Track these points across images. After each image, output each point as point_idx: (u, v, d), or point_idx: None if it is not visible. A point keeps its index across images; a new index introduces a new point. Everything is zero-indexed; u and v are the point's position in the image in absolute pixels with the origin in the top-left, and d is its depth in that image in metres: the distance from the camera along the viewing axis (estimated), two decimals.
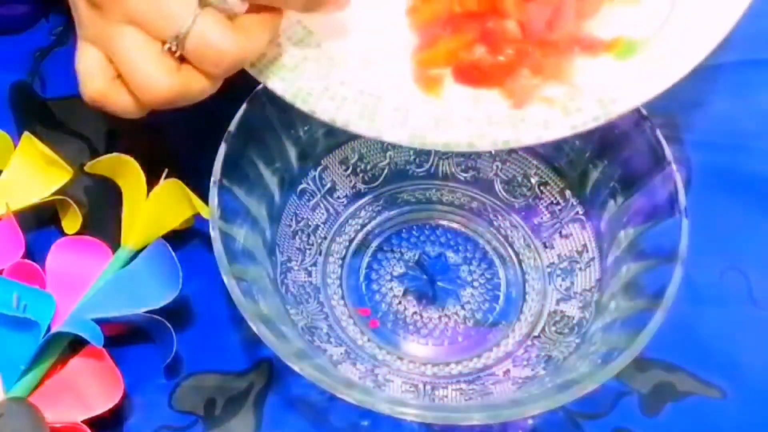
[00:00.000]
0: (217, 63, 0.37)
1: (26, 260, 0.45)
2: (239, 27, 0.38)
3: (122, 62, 0.37)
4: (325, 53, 0.44)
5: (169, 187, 0.46)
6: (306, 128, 0.49)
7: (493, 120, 0.42)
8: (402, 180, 0.51)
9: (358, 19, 0.45)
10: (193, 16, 0.36)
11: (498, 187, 0.50)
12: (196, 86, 0.38)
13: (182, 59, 0.38)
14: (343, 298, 0.49)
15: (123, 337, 0.46)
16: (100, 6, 0.37)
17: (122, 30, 0.37)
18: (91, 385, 0.43)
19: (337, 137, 0.51)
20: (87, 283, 0.46)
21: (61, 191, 0.48)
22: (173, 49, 0.37)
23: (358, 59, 0.44)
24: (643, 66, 0.41)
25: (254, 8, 0.39)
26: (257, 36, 0.39)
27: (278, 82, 0.43)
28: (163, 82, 0.37)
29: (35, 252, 0.47)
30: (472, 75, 0.43)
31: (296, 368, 0.39)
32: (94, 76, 0.38)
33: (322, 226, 0.50)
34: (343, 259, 0.50)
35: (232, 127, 0.45)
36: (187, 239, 0.49)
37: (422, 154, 0.51)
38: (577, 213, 0.49)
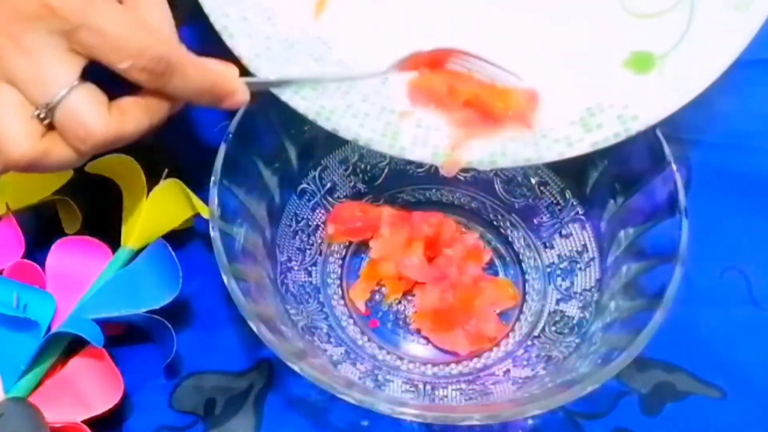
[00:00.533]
0: (83, 140, 0.36)
1: (26, 260, 0.45)
2: (116, 108, 0.37)
3: None
4: (346, 69, 0.44)
5: (169, 187, 0.46)
6: (306, 128, 0.49)
7: (514, 137, 0.42)
8: (402, 180, 0.51)
9: (378, 34, 0.45)
10: (68, 87, 0.36)
11: (498, 187, 0.50)
12: (58, 156, 0.37)
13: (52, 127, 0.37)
14: (343, 298, 0.49)
15: (123, 337, 0.46)
16: None
17: (0, 87, 0.36)
18: (91, 385, 0.43)
19: (337, 138, 0.51)
20: (87, 283, 0.46)
21: (61, 191, 0.48)
22: (41, 116, 0.36)
23: (378, 75, 0.44)
24: (662, 81, 0.42)
25: (143, 92, 0.38)
26: (134, 120, 0.38)
27: (300, 101, 0.42)
28: (21, 145, 0.36)
29: (35, 252, 0.47)
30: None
31: (296, 368, 0.39)
32: None
33: (322, 226, 0.50)
34: (343, 259, 0.50)
35: (232, 127, 0.45)
36: (187, 239, 0.49)
37: None
38: (577, 213, 0.49)
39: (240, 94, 0.41)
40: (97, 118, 0.36)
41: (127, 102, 0.38)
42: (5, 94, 0.36)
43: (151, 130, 0.39)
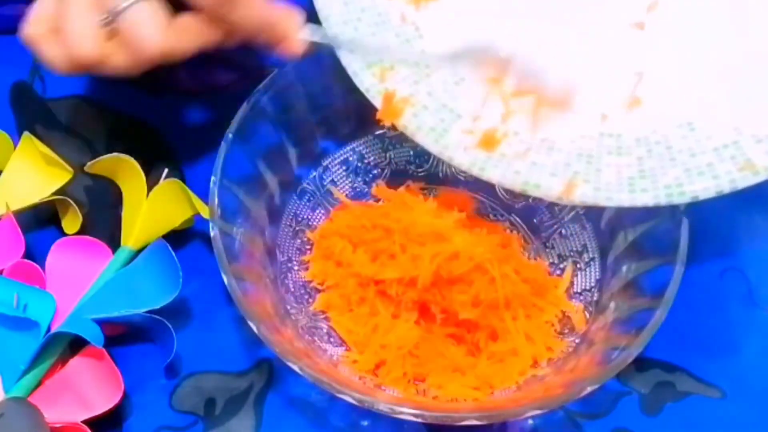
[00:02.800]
0: (139, 49, 0.39)
1: (26, 260, 0.45)
2: (176, 26, 0.40)
3: (62, 17, 0.40)
4: (426, 60, 0.45)
5: (169, 187, 0.46)
6: (306, 129, 0.49)
7: (556, 171, 0.42)
8: (402, 180, 0.51)
9: (469, 31, 0.46)
10: None
11: (498, 187, 0.50)
12: (117, 61, 0.40)
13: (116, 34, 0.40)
14: None
15: (123, 337, 0.46)
16: None
17: None
18: (91, 385, 0.43)
19: (337, 138, 0.51)
20: (87, 283, 0.46)
21: (61, 191, 0.48)
22: (108, 20, 0.39)
23: (452, 75, 0.45)
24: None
25: (203, 14, 0.40)
26: (189, 39, 0.40)
27: (368, 77, 0.43)
28: (87, 44, 0.39)
29: (35, 252, 0.47)
30: None
31: (296, 368, 0.39)
32: (38, 21, 0.41)
33: (322, 226, 0.50)
34: None
35: (232, 127, 0.45)
36: (187, 239, 0.49)
37: (422, 155, 0.51)
38: (577, 213, 0.49)
39: (296, 42, 0.42)
40: (155, 30, 0.39)
41: (186, 21, 0.40)
42: None
43: (201, 50, 0.41)
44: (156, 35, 0.39)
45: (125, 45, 0.39)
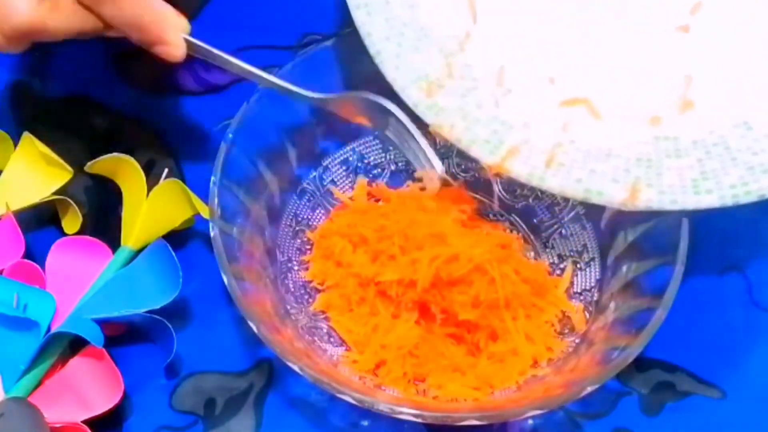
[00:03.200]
0: (5, 18, 0.38)
1: (26, 260, 0.45)
2: (51, 5, 0.38)
3: None
4: (471, 74, 0.45)
5: (169, 187, 0.46)
6: (306, 128, 0.49)
7: (617, 177, 0.42)
8: (402, 180, 0.51)
9: (513, 43, 0.46)
10: None
11: (498, 187, 0.50)
12: None
13: None
14: None
15: (123, 337, 0.46)
16: None
17: None
18: (91, 385, 0.43)
19: (337, 138, 0.51)
20: (87, 283, 0.46)
21: (61, 191, 0.48)
22: None
23: (498, 87, 0.45)
24: None
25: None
26: (62, 19, 0.39)
27: (416, 91, 0.43)
28: None
29: (35, 252, 0.47)
30: None
31: (296, 368, 0.39)
32: None
33: (322, 226, 0.50)
34: None
35: (232, 127, 0.45)
36: (187, 239, 0.49)
37: None
38: (577, 213, 0.49)
39: (173, 47, 0.40)
40: (22, 1, 0.37)
41: (64, 1, 0.39)
42: None
43: (78, 35, 0.40)
44: (23, 5, 0.37)
45: None
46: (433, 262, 0.43)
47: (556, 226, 0.49)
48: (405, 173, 0.51)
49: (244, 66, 0.43)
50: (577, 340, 0.45)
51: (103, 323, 0.43)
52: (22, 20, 0.37)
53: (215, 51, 0.43)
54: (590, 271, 0.47)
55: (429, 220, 0.45)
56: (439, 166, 0.44)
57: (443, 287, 0.44)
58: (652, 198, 0.41)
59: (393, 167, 0.51)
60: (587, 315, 0.46)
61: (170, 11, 0.40)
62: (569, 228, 0.49)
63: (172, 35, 0.40)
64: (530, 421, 0.45)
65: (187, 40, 0.41)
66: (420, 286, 0.44)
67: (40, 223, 0.50)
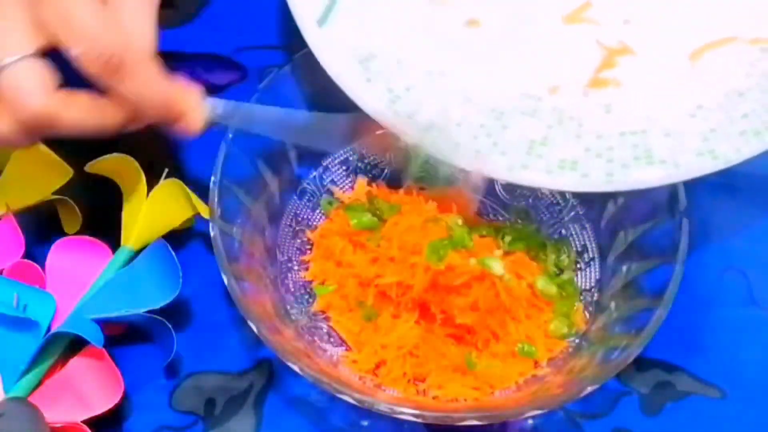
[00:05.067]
0: (18, 108, 0.36)
1: (26, 260, 0.45)
2: (64, 93, 0.37)
3: None
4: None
5: (169, 187, 0.46)
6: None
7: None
8: (402, 180, 0.51)
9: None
10: (19, 55, 0.36)
11: (498, 187, 0.50)
12: (1, 127, 0.37)
13: None
14: None
15: (123, 337, 0.46)
16: None
17: None
18: (91, 385, 0.43)
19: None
20: (87, 283, 0.46)
21: (61, 191, 0.48)
22: None
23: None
24: None
25: (106, 94, 0.38)
26: (78, 111, 0.37)
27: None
28: None
29: (35, 252, 0.47)
30: None
31: (296, 368, 0.39)
32: None
33: (321, 226, 0.50)
34: None
35: (232, 127, 0.45)
36: (187, 239, 0.49)
37: None
38: (577, 213, 0.49)
39: (193, 119, 0.40)
40: (36, 90, 0.36)
41: (79, 93, 0.38)
42: None
43: (97, 131, 0.38)
44: (36, 95, 0.36)
45: (5, 104, 0.36)
46: (428, 270, 0.43)
47: (556, 226, 0.49)
48: (405, 173, 0.51)
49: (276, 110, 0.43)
50: (577, 340, 0.45)
51: (103, 323, 0.43)
52: (35, 110, 0.36)
53: (234, 104, 0.42)
54: (590, 271, 0.47)
55: (427, 225, 0.45)
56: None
57: (442, 291, 0.44)
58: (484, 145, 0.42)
59: (393, 167, 0.51)
60: (587, 315, 0.46)
61: (186, 85, 0.40)
62: (569, 228, 0.49)
63: (192, 108, 0.40)
64: (530, 421, 0.45)
65: (207, 108, 0.41)
66: (416, 291, 0.44)
67: (40, 223, 0.50)
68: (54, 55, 0.37)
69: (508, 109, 0.43)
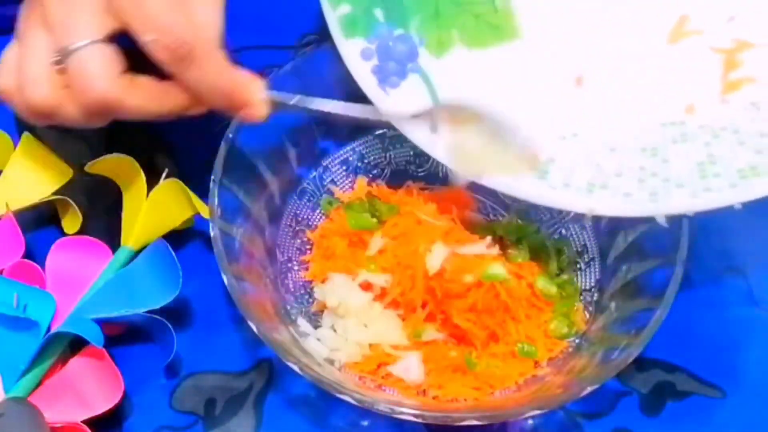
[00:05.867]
0: (84, 92, 0.37)
1: (26, 260, 0.45)
2: (129, 78, 0.38)
3: (21, 63, 0.38)
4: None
5: (169, 187, 0.46)
6: (306, 129, 0.49)
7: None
8: (402, 180, 0.51)
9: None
10: (89, 40, 0.37)
11: None
12: (67, 111, 0.38)
13: None
14: None
15: (123, 337, 0.46)
16: (28, 4, 0.39)
17: (34, 32, 0.38)
18: (91, 385, 0.43)
19: (337, 138, 0.51)
20: (87, 283, 0.46)
21: (61, 191, 0.48)
22: (58, 60, 0.37)
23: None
24: None
25: (167, 79, 0.39)
26: (142, 95, 0.38)
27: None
28: (41, 90, 0.38)
29: (35, 252, 0.47)
30: None
31: (296, 368, 0.39)
32: (4, 71, 0.39)
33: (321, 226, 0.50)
34: None
35: (232, 127, 0.45)
36: (187, 239, 0.49)
37: (422, 155, 0.51)
38: (577, 213, 0.48)
39: (257, 108, 0.41)
40: (102, 74, 0.37)
41: (144, 78, 0.39)
42: (37, 38, 0.38)
43: (158, 116, 0.39)
44: (102, 79, 0.37)
45: (73, 86, 0.38)
46: (425, 278, 0.44)
47: (556, 226, 0.49)
48: (405, 173, 0.51)
49: (337, 103, 0.43)
50: (577, 340, 0.45)
51: (103, 323, 0.43)
52: (101, 94, 0.37)
53: (300, 97, 0.43)
54: (590, 271, 0.47)
55: (426, 229, 0.45)
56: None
57: (440, 294, 0.44)
58: (656, 186, 0.41)
59: (393, 167, 0.51)
60: (587, 315, 0.46)
61: (249, 76, 0.40)
62: (569, 228, 0.49)
63: (256, 98, 0.40)
64: (530, 421, 0.45)
65: (268, 98, 0.41)
66: (414, 296, 0.44)
67: (40, 223, 0.50)
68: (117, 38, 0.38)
69: (659, 143, 0.42)
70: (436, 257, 0.44)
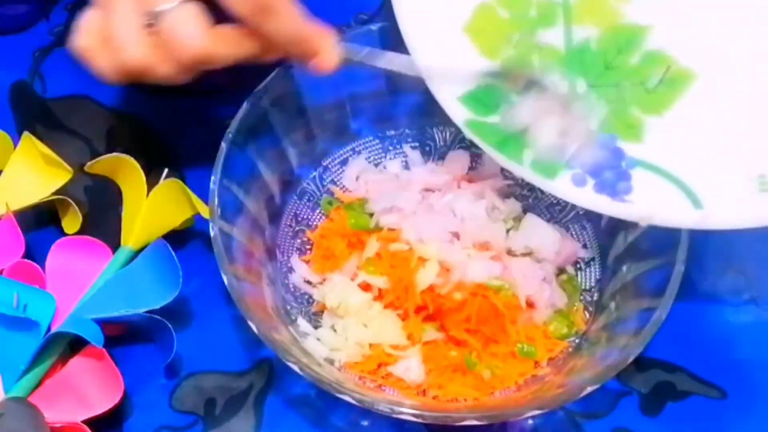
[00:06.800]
0: (179, 50, 0.39)
1: (26, 260, 0.45)
2: (215, 31, 0.40)
3: (108, 25, 0.40)
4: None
5: (169, 187, 0.46)
6: (306, 129, 0.49)
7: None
8: None
9: None
10: (178, 1, 0.39)
11: None
12: (161, 68, 0.40)
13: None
14: None
15: (123, 337, 0.46)
16: None
17: None
18: (91, 385, 0.43)
19: (337, 138, 0.51)
20: (87, 283, 0.46)
21: (61, 191, 0.48)
22: (150, 23, 0.39)
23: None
24: None
25: (244, 25, 0.40)
26: (227, 45, 0.40)
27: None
28: (132, 51, 0.39)
29: (35, 252, 0.48)
30: None
31: (296, 368, 0.39)
32: (87, 31, 0.40)
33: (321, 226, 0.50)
34: None
35: (232, 127, 0.45)
36: (187, 239, 0.49)
37: (423, 154, 0.51)
38: (577, 213, 0.48)
39: (328, 57, 0.42)
40: (194, 31, 0.39)
41: (225, 28, 0.40)
42: (123, 2, 0.39)
43: (238, 61, 0.41)
44: (196, 36, 0.39)
45: (167, 45, 0.39)
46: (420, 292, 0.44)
47: (556, 226, 0.49)
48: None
49: (403, 57, 0.43)
50: (577, 340, 0.45)
51: (103, 323, 0.43)
52: (196, 51, 0.39)
53: (369, 50, 0.43)
54: (590, 271, 0.47)
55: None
56: None
57: (433, 308, 0.44)
58: None
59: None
60: (587, 315, 0.46)
61: (322, 27, 0.42)
62: (569, 228, 0.49)
63: (328, 47, 0.42)
64: (530, 421, 0.45)
65: (340, 49, 0.42)
66: (408, 305, 0.44)
67: (40, 223, 0.50)
68: None
69: None
70: (427, 274, 0.44)
